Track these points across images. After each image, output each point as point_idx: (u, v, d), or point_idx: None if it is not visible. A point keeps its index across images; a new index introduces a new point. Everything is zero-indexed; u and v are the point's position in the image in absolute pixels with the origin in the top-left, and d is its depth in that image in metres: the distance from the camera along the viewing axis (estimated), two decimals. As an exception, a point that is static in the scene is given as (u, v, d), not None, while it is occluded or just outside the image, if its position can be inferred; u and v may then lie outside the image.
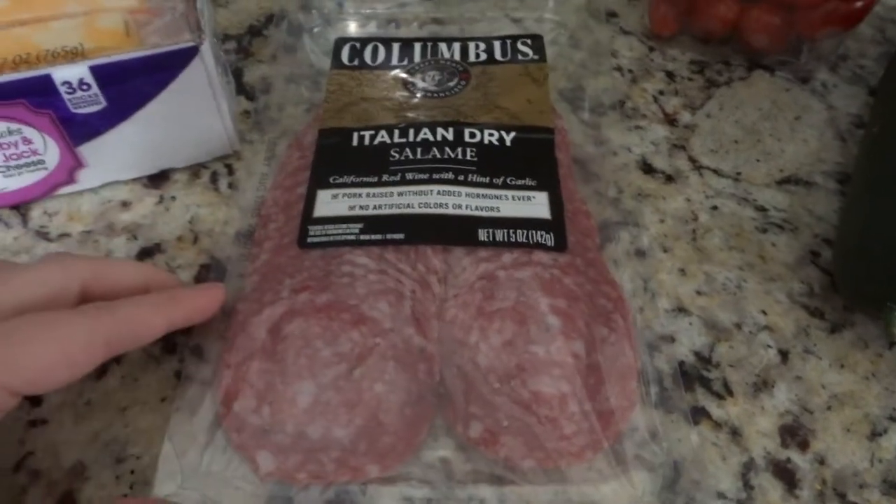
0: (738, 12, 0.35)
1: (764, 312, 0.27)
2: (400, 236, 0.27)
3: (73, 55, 0.27)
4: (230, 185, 0.32)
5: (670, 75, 0.37)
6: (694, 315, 0.27)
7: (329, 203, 0.28)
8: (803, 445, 0.24)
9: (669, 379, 0.25)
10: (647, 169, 0.32)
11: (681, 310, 0.27)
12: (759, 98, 0.36)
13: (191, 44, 0.27)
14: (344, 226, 0.27)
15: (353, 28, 0.38)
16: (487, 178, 0.29)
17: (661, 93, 0.36)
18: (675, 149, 0.33)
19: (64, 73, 0.26)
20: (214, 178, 0.32)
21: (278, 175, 0.30)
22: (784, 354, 0.26)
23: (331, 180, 0.29)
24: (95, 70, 0.26)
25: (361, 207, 0.28)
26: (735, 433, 0.24)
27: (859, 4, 0.33)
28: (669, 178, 0.32)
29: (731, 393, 0.25)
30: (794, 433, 0.24)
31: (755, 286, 0.28)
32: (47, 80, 0.26)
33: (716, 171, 0.32)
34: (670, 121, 0.34)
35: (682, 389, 0.25)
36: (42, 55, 0.27)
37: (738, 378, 0.26)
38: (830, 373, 0.26)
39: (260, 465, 0.22)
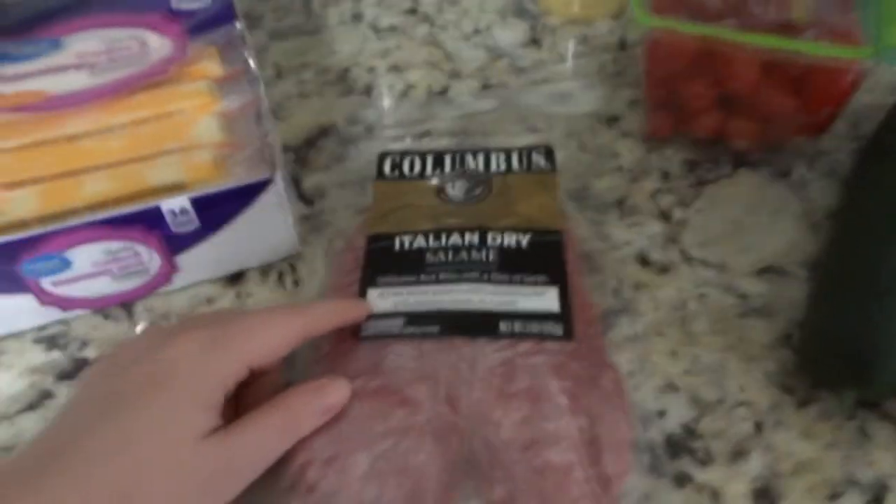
0: (721, 121, 0.41)
1: (742, 389, 0.32)
2: (435, 329, 0.32)
3: (176, 188, 0.34)
4: (294, 282, 0.38)
5: (665, 174, 0.43)
6: (682, 392, 0.32)
7: (377, 300, 0.34)
8: (772, 505, 0.29)
9: (660, 448, 0.30)
10: (644, 262, 0.38)
11: (671, 387, 0.33)
12: (744, 194, 0.41)
13: (267, 176, 0.34)
14: (390, 320, 0.33)
15: (392, 140, 0.44)
16: (507, 276, 0.34)
17: (658, 191, 0.42)
18: (668, 242, 0.39)
19: (170, 204, 0.33)
20: (281, 276, 0.38)
21: (335, 275, 0.37)
22: (758, 426, 0.31)
23: (378, 280, 0.35)
24: (194, 200, 0.33)
25: (404, 304, 0.34)
26: (715, 495, 0.29)
27: (825, 114, 0.39)
28: (663, 269, 0.37)
29: (712, 460, 0.30)
30: (764, 495, 0.29)
31: (735, 366, 0.33)
32: (157, 210, 0.33)
33: (703, 263, 0.38)
34: (665, 217, 0.40)
35: (670, 457, 0.30)
36: (152, 189, 0.34)
37: (719, 447, 0.31)
38: (797, 442, 0.30)
39: None
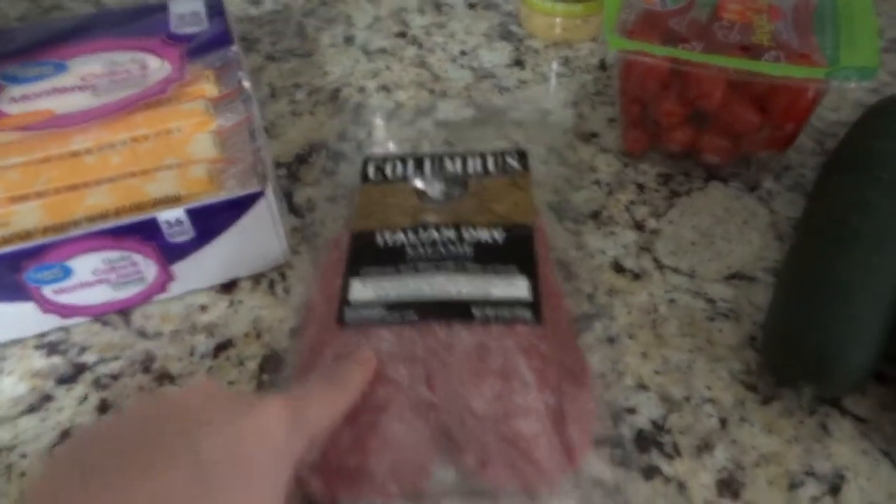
0: (693, 137, 0.43)
1: (709, 388, 0.34)
2: (414, 315, 0.34)
3: (172, 201, 0.36)
4: (284, 290, 0.40)
5: (640, 187, 0.45)
6: (652, 391, 0.34)
7: (360, 290, 0.36)
8: (735, 495, 0.30)
9: (630, 443, 0.32)
10: (619, 269, 0.40)
11: (641, 386, 0.34)
12: (714, 205, 0.43)
13: (259, 189, 0.36)
14: (371, 309, 0.35)
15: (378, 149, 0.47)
16: (481, 267, 0.36)
17: (633, 202, 0.44)
18: (642, 251, 0.41)
19: (166, 216, 0.35)
20: (272, 284, 0.40)
21: (321, 268, 0.39)
22: (723, 422, 0.33)
23: (360, 271, 0.37)
24: (189, 211, 0.35)
25: (384, 293, 0.36)
26: (681, 486, 0.31)
27: (788, 130, 0.41)
28: (636, 276, 0.39)
29: (679, 454, 0.32)
30: (728, 486, 0.31)
31: (702, 366, 0.35)
32: (154, 221, 0.35)
33: (675, 270, 0.40)
34: (639, 227, 0.42)
35: (639, 452, 0.32)
36: (151, 202, 0.36)
37: (686, 442, 0.32)
38: (760, 437, 0.32)
39: (313, 488, 0.30)
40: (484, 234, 0.38)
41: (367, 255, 0.38)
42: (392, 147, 0.47)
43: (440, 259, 0.37)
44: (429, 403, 0.32)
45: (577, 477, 0.30)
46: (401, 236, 0.38)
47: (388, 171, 0.43)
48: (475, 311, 0.34)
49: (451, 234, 0.38)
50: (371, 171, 0.44)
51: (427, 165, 0.43)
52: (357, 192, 0.43)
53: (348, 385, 0.31)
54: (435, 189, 0.42)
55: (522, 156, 0.44)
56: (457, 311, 0.34)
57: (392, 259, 0.37)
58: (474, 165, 0.43)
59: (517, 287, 0.35)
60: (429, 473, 0.31)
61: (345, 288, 0.36)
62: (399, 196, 0.42)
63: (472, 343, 0.33)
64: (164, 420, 0.25)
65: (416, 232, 0.38)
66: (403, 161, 0.44)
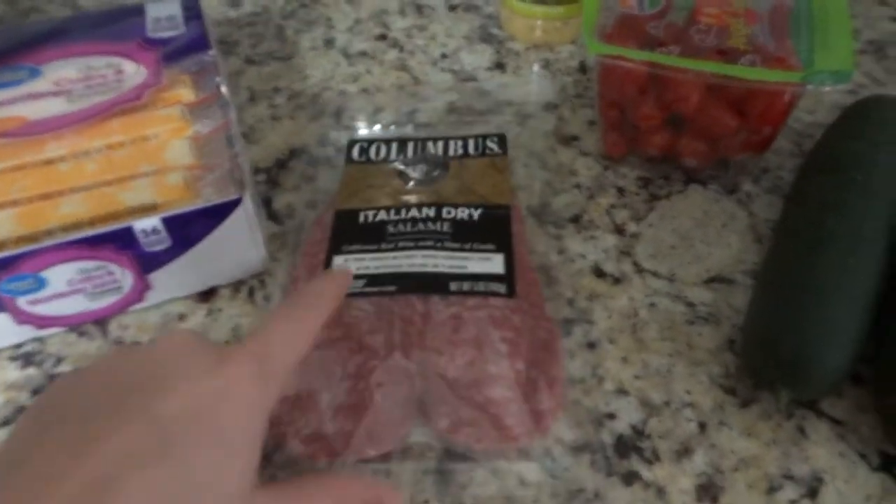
0: (671, 140, 0.43)
1: (688, 392, 0.34)
2: (392, 288, 0.35)
3: (148, 209, 0.35)
4: (265, 297, 0.39)
5: (621, 191, 0.45)
6: (632, 395, 0.34)
7: (342, 265, 0.37)
8: (714, 500, 0.30)
9: (610, 449, 0.32)
10: (599, 273, 0.40)
11: (621, 391, 0.34)
12: (693, 208, 0.43)
13: (236, 196, 0.36)
14: (352, 281, 0.35)
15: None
16: (458, 245, 0.37)
17: (613, 206, 0.44)
18: (622, 255, 0.41)
19: (141, 224, 0.35)
20: (251, 291, 0.40)
21: (305, 246, 0.39)
22: (702, 426, 0.33)
23: (342, 248, 0.38)
24: (165, 220, 0.35)
25: (365, 267, 0.36)
26: (660, 491, 0.31)
27: (766, 133, 0.41)
28: (617, 281, 0.39)
29: (658, 458, 0.32)
30: (707, 490, 0.31)
31: (682, 370, 0.35)
32: (129, 230, 0.34)
33: (654, 274, 0.40)
34: (619, 231, 0.42)
35: (619, 457, 0.32)
36: (126, 211, 0.35)
37: (665, 446, 0.32)
38: (739, 440, 0.32)
39: (292, 449, 0.30)
40: (463, 214, 0.39)
41: (349, 232, 0.39)
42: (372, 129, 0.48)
43: (420, 236, 0.38)
44: (404, 370, 0.32)
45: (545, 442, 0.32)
46: (382, 215, 0.39)
47: (373, 153, 0.44)
48: (452, 285, 0.35)
49: (430, 213, 0.39)
50: (356, 152, 0.44)
51: (410, 148, 0.44)
52: (341, 172, 0.43)
53: (318, 304, 0.29)
54: (417, 170, 0.43)
55: (502, 140, 0.45)
56: (435, 284, 0.35)
57: (373, 237, 0.38)
58: (455, 148, 0.44)
59: (493, 263, 0.36)
60: (405, 437, 0.32)
61: (327, 263, 0.37)
62: (382, 177, 0.42)
63: (448, 314, 0.34)
64: (127, 376, 0.24)
65: (397, 211, 0.39)
66: (387, 144, 0.45)
